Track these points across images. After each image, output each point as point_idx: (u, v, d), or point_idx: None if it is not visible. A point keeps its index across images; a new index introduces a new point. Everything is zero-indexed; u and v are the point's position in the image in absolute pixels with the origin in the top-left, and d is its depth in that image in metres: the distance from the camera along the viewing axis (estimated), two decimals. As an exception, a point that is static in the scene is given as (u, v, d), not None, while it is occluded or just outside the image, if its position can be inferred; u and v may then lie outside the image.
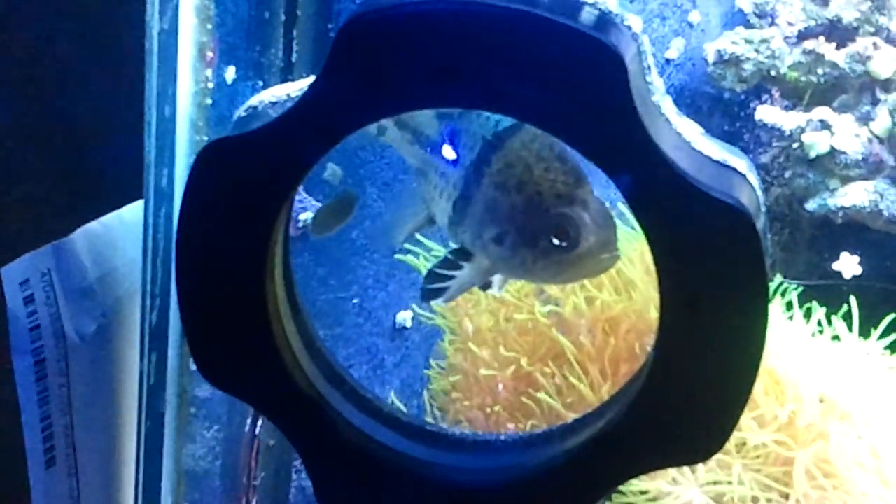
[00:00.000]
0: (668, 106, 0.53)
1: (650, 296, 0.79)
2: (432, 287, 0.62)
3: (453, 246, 0.63)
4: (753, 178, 0.53)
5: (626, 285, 0.81)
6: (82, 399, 0.61)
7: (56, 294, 0.58)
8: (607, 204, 0.59)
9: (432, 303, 0.63)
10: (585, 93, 0.47)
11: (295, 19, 0.74)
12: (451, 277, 0.62)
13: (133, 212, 0.62)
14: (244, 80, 0.67)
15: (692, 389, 0.52)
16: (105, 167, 0.60)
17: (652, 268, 0.81)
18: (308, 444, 0.56)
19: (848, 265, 0.71)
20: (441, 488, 0.56)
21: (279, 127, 0.51)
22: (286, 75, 0.74)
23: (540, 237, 0.58)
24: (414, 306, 0.90)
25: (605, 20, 0.49)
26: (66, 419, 0.61)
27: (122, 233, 0.62)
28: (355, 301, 1.00)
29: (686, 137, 0.52)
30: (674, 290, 0.50)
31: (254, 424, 0.84)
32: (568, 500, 0.55)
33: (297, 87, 0.57)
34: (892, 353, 0.67)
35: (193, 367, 0.65)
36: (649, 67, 0.52)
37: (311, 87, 0.50)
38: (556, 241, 0.57)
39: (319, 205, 0.84)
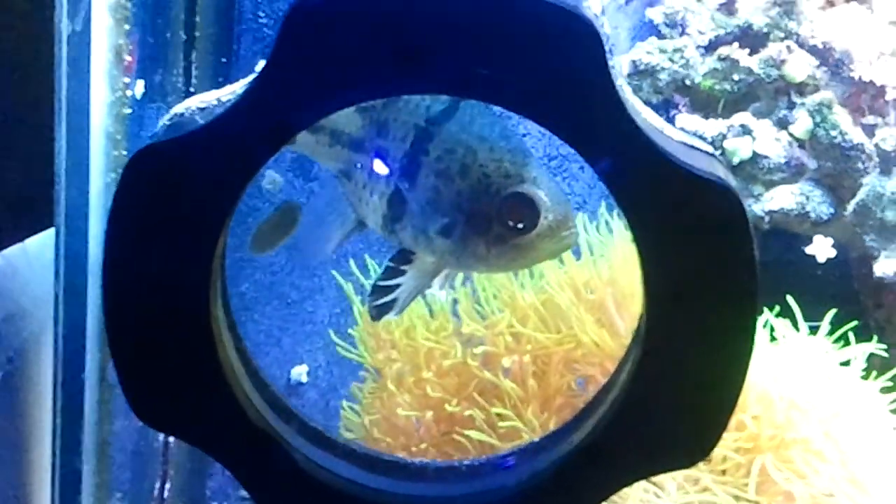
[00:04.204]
0: (629, 91, 0.50)
1: (581, 321, 0.77)
2: (380, 303, 0.58)
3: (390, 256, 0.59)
4: (722, 163, 0.51)
5: (554, 316, 0.78)
6: (-11, 459, 0.54)
7: (-42, 337, 0.51)
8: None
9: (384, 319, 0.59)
10: (562, 71, 0.44)
11: (193, 41, 0.69)
12: (397, 286, 0.58)
13: (38, 243, 0.55)
14: (150, 101, 0.62)
15: (681, 386, 0.49)
16: (6, 192, 0.53)
17: (581, 292, 0.80)
18: (265, 485, 0.50)
19: (821, 248, 0.71)
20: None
21: (222, 125, 0.46)
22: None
23: (493, 222, 0.54)
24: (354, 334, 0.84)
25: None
26: (-27, 482, 0.53)
27: (26, 268, 0.55)
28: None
29: (654, 122, 0.50)
30: (659, 279, 0.47)
31: (161, 490, 0.77)
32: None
33: (228, 92, 0.52)
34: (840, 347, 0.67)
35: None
36: (611, 49, 0.49)
37: (257, 79, 0.46)
38: (511, 224, 0.54)
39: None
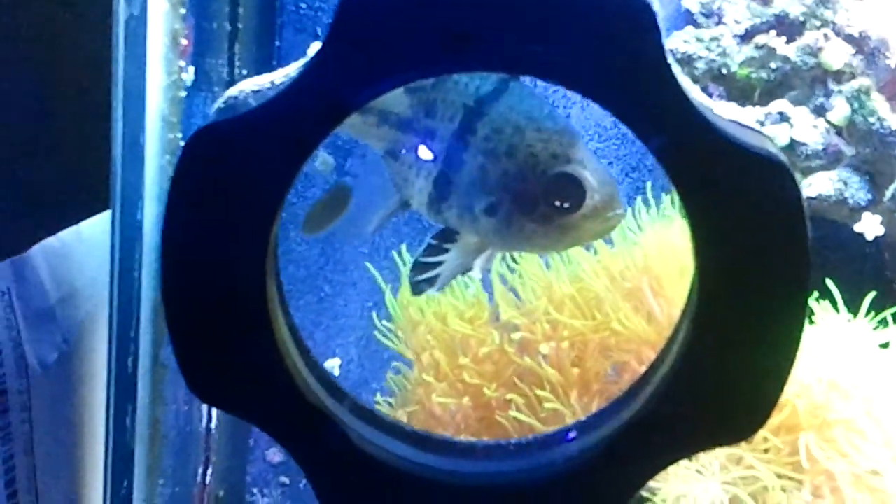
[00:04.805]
0: (679, 69, 0.51)
1: (617, 308, 0.78)
2: (421, 278, 0.58)
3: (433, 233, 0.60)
4: (772, 141, 0.52)
5: (590, 303, 0.79)
6: (45, 438, 0.54)
7: (17, 316, 0.51)
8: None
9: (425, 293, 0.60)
10: (617, 47, 0.45)
11: (237, 32, 0.70)
12: (439, 264, 0.58)
13: (92, 227, 0.56)
14: (198, 89, 0.62)
15: (731, 363, 0.49)
16: (63, 175, 0.54)
17: (616, 279, 0.80)
18: (319, 461, 0.51)
19: (870, 226, 0.71)
20: (467, 497, 0.51)
21: (278, 105, 0.47)
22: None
23: (539, 202, 0.55)
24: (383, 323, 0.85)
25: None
26: (30, 461, 0.53)
27: (80, 250, 0.56)
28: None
29: (704, 100, 0.50)
30: (711, 255, 0.48)
31: (204, 475, 0.78)
32: (605, 495, 0.51)
33: (281, 74, 0.52)
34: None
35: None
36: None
37: (313, 60, 0.46)
38: (557, 204, 0.55)
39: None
